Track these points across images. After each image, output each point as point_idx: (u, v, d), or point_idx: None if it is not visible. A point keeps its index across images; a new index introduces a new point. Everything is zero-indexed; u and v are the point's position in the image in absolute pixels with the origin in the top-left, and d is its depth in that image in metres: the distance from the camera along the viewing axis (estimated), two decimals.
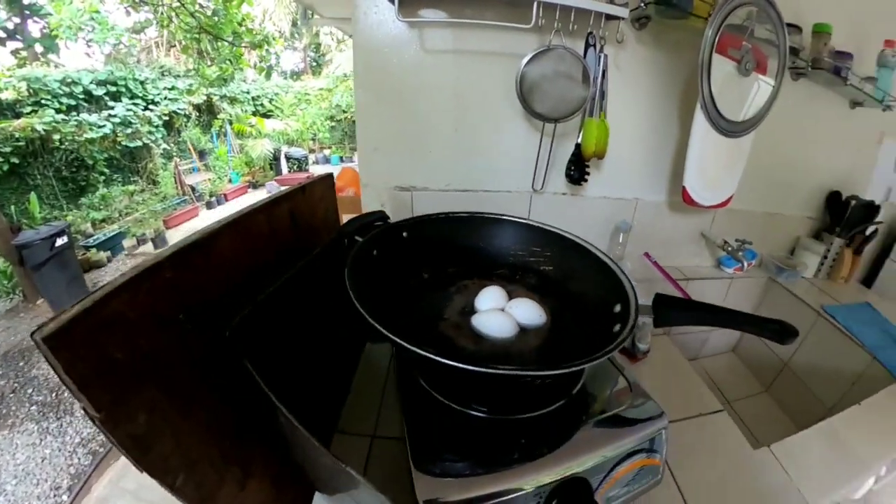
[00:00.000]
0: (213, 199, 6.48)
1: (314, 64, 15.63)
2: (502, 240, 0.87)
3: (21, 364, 3.13)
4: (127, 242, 4.99)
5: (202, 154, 7.36)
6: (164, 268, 0.40)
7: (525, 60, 0.97)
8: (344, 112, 10.42)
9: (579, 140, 1.09)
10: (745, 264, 1.47)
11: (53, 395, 2.80)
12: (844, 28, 1.26)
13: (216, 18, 5.07)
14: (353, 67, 1.06)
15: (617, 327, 0.56)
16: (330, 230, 0.82)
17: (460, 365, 0.44)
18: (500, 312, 0.65)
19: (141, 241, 4.91)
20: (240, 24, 5.20)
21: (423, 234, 0.81)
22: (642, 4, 1.00)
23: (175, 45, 9.28)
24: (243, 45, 5.47)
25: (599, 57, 1.00)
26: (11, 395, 2.81)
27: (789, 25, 1.10)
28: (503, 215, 0.89)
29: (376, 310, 0.51)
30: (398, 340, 0.47)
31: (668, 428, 0.61)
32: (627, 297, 0.60)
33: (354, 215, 1.58)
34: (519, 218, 0.88)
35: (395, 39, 1.01)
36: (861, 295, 1.58)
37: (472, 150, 1.14)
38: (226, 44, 5.33)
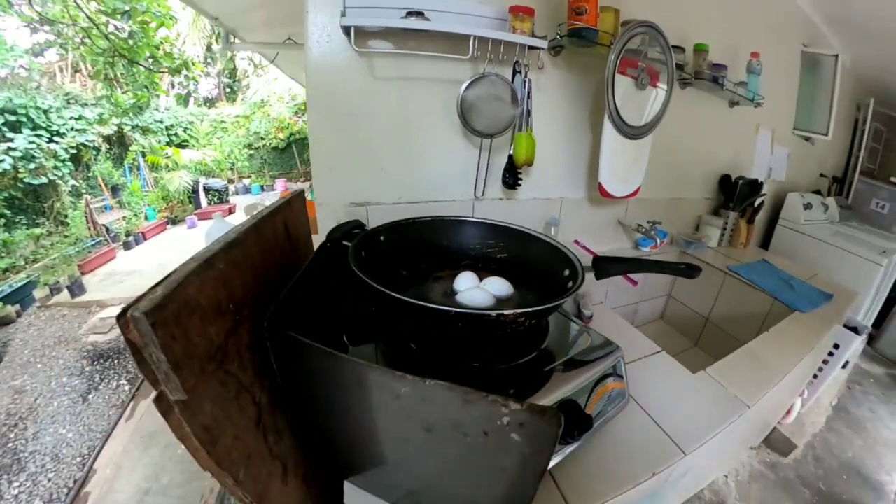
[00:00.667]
0: (131, 238, 6.02)
1: (228, 90, 15.12)
2: (463, 237, 1.03)
3: None
4: (38, 293, 4.50)
5: (115, 190, 6.82)
6: (218, 259, 0.45)
7: (464, 86, 1.14)
8: (262, 139, 10.18)
9: (511, 152, 1.28)
10: (659, 241, 1.76)
11: None
12: (719, 45, 1.62)
13: (132, 41, 4.82)
14: (306, 92, 1.14)
15: (570, 284, 0.74)
16: (307, 238, 0.91)
17: (468, 311, 0.59)
18: (477, 289, 0.80)
19: (54, 289, 4.44)
20: (157, 48, 4.98)
21: (397, 237, 0.94)
22: (558, 36, 1.22)
23: (80, 70, 8.59)
24: (161, 69, 5.22)
25: (525, 81, 1.21)
26: None
27: (674, 47, 1.40)
28: (462, 217, 1.05)
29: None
30: (414, 301, 0.60)
31: (623, 357, 0.81)
32: (571, 260, 0.81)
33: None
34: (476, 218, 1.06)
35: (346, 67, 1.11)
36: (759, 255, 2.00)
37: (419, 166, 1.27)
38: (141, 69, 5.06)
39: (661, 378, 1.05)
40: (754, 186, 1.94)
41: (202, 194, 8.07)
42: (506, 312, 0.61)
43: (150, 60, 4.98)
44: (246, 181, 10.04)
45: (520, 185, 1.34)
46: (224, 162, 9.53)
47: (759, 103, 1.78)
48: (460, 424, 0.46)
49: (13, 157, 5.21)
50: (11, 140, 5.33)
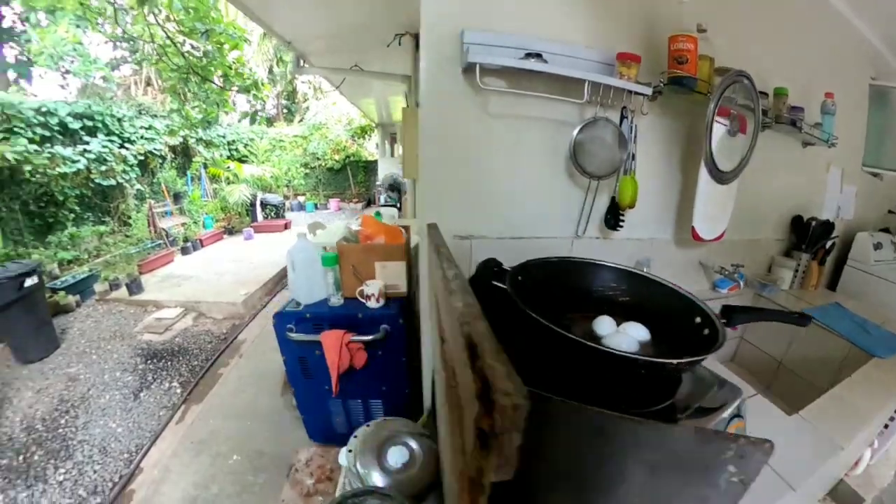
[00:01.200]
0: (189, 244, 6.28)
1: (286, 111, 15.94)
2: (588, 279, 1.04)
3: None
4: (98, 286, 4.72)
5: (177, 197, 7.22)
6: None
7: (578, 129, 1.19)
8: (318, 159, 10.69)
9: (615, 194, 1.33)
10: (741, 284, 1.75)
11: (21, 458, 2.44)
12: (795, 87, 1.63)
13: (206, 60, 5.18)
14: (420, 124, 1.18)
15: (706, 331, 0.75)
16: None
17: (653, 360, 0.60)
18: (621, 334, 0.80)
19: (113, 285, 4.65)
20: (230, 68, 5.33)
21: (530, 277, 0.95)
22: (661, 83, 1.24)
23: (152, 85, 9.27)
24: (231, 88, 5.58)
25: (631, 126, 1.24)
26: None
27: (759, 93, 1.40)
28: (591, 259, 1.07)
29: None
30: (609, 349, 0.62)
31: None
32: (703, 309, 0.81)
33: (390, 262, 1.66)
34: (603, 261, 1.06)
35: (461, 102, 1.14)
36: (829, 297, 1.97)
37: (523, 202, 1.30)
38: (213, 86, 5.42)
39: (759, 418, 1.05)
40: (827, 227, 1.93)
41: (258, 208, 8.45)
42: (683, 361, 0.61)
43: (222, 79, 5.35)
44: (301, 198, 10.55)
45: (622, 226, 1.37)
46: (281, 179, 10.10)
47: (832, 143, 1.78)
48: (685, 462, 0.48)
49: (87, 159, 5.59)
50: (87, 143, 5.74)
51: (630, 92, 1.19)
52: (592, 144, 1.20)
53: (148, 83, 9.51)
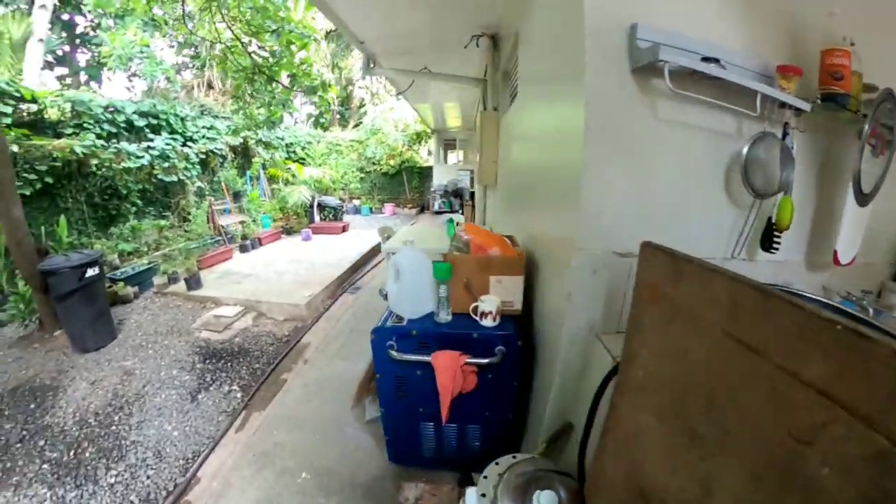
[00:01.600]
0: (248, 241, 6.22)
1: (339, 116, 16.28)
2: None
3: (32, 406, 2.68)
4: (157, 279, 4.70)
5: (236, 196, 7.28)
6: None
7: (749, 143, 1.11)
8: (374, 164, 10.75)
9: (773, 214, 1.22)
10: (871, 311, 1.52)
11: (72, 453, 2.29)
12: None
13: (273, 59, 5.17)
14: (584, 124, 1.06)
15: None
16: None
17: None
18: None
19: (172, 279, 4.57)
20: (299, 66, 5.28)
21: None
22: (817, 100, 1.14)
23: (213, 87, 9.59)
24: (299, 88, 5.54)
25: (791, 143, 1.15)
26: (18, 446, 2.35)
27: None
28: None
29: None
30: None
31: None
32: None
33: (507, 276, 1.42)
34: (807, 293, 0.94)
35: (628, 104, 1.06)
36: None
37: (684, 218, 1.20)
38: (279, 86, 5.39)
39: None
40: None
41: (316, 210, 8.43)
42: None
43: (290, 79, 5.32)
44: (356, 202, 10.56)
45: (776, 249, 1.25)
46: (338, 182, 10.18)
47: None
48: None
49: (151, 155, 5.68)
50: (152, 140, 5.86)
51: (787, 106, 1.11)
52: (761, 161, 1.13)
53: (210, 86, 9.84)
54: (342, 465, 2.02)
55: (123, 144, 5.41)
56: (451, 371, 1.44)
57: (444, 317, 1.56)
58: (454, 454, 1.80)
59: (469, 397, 1.55)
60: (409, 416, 1.70)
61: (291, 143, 9.58)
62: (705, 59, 1.01)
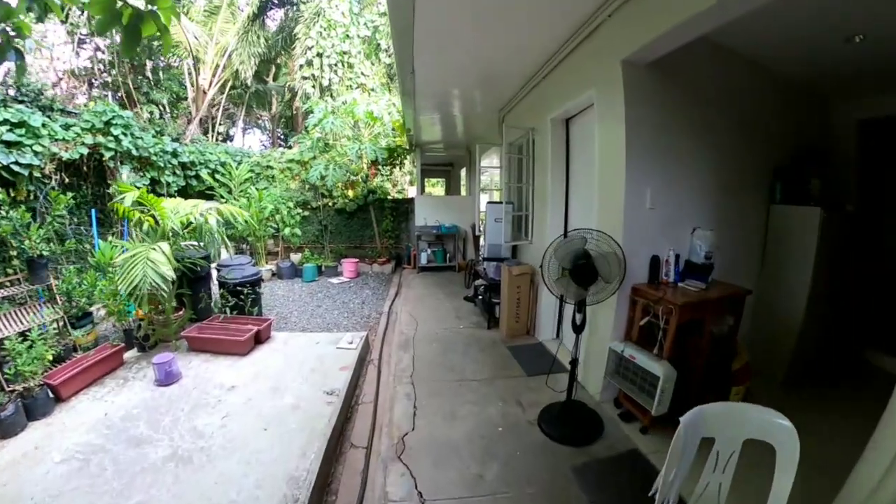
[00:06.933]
0: (27, 400, 1.95)
1: (281, 141, 12.89)
2: None
3: None
4: None
5: (39, 266, 3.18)
6: None
7: None
8: (324, 195, 6.99)
9: None
10: None
11: None
12: None
13: None
14: None
15: None
16: None
17: None
18: None
19: None
20: None
21: None
22: None
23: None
24: None
25: None
26: None
27: None
28: None
29: None
30: None
31: None
32: None
33: None
34: None
35: None
36: None
37: None
38: None
39: None
40: None
41: (215, 289, 4.18)
42: None
43: None
44: (295, 257, 6.61)
45: None
46: (263, 226, 6.15)
47: None
48: None
49: None
50: None
51: None
52: None
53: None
54: None
55: None
56: None
57: None
58: None
59: None
60: None
61: (193, 163, 6.03)
62: None
